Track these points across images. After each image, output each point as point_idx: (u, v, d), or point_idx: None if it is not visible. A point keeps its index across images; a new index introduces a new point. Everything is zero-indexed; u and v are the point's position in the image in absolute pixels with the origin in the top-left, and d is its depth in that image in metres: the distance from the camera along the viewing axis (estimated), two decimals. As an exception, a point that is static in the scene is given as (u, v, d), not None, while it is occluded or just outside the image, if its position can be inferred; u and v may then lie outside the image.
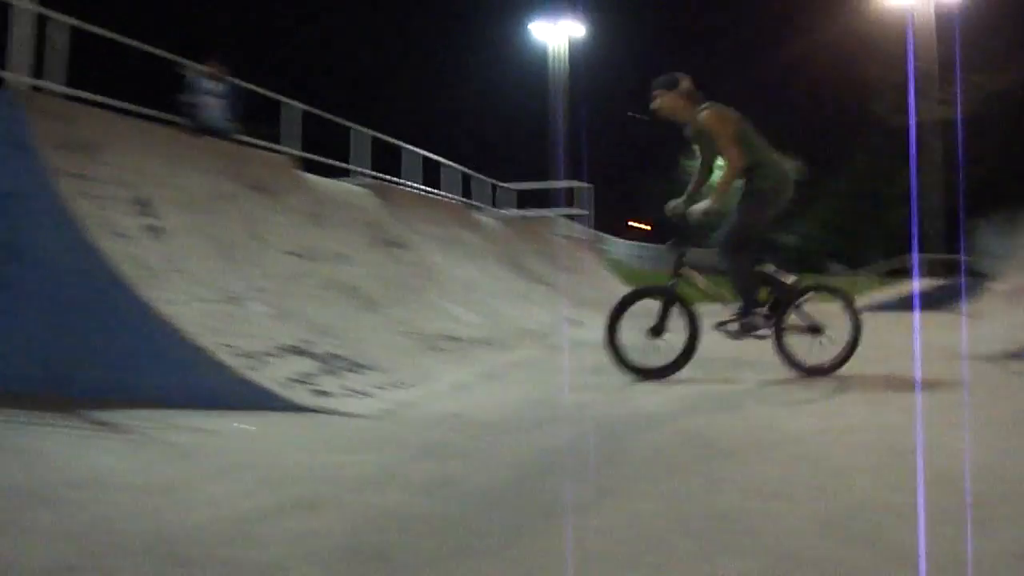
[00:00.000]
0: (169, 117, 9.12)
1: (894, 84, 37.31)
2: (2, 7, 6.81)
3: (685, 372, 5.51)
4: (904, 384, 5.31)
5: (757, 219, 5.60)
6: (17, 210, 5.05)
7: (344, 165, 13.48)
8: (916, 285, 17.23)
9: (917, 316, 12.94)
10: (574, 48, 38.03)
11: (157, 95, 9.41)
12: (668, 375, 5.51)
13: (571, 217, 21.31)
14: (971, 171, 31.39)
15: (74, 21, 7.84)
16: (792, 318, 5.59)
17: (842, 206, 51.14)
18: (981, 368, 5.96)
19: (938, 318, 11.03)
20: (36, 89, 6.77)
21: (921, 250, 27.88)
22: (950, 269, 25.05)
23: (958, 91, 30.79)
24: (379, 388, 5.07)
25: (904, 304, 16.07)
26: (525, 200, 21.48)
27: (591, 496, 2.77)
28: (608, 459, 3.34)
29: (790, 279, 5.64)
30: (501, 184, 20.17)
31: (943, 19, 32.61)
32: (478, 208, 17.81)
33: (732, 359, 6.08)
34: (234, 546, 2.29)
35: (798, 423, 4.05)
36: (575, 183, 21.21)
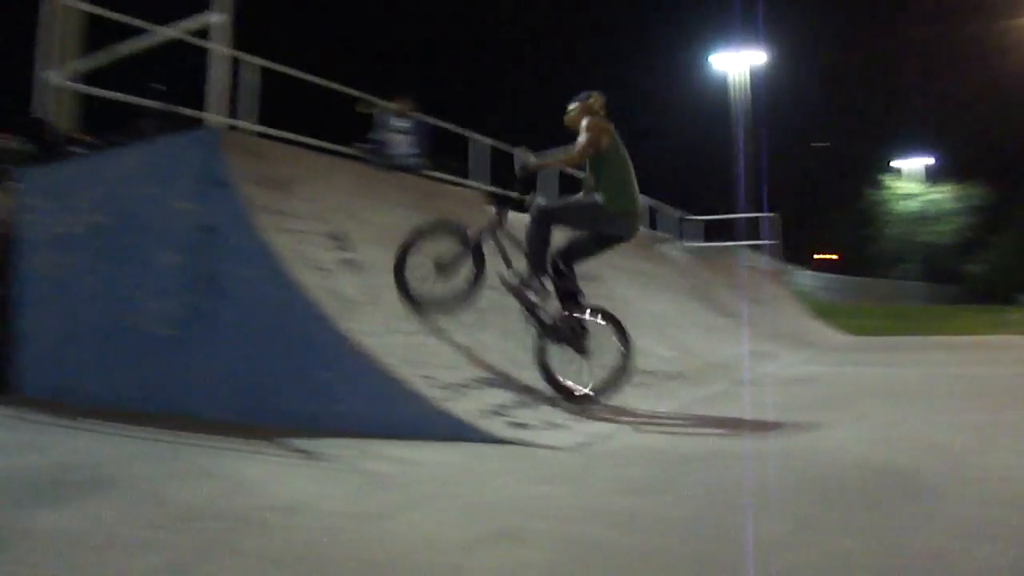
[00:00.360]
0: (357, 153, 9.51)
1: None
2: (188, 50, 7.39)
3: (879, 409, 5.50)
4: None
5: (577, 218, 5.83)
6: (217, 244, 5.41)
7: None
8: None
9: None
10: (756, 76, 37.32)
11: (346, 132, 9.88)
12: (450, 311, 5.76)
13: (757, 248, 21.23)
14: None
15: (264, 62, 8.37)
16: (565, 325, 5.69)
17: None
18: None
19: None
20: (232, 128, 7.22)
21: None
22: None
23: None
24: (574, 420, 5.04)
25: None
26: (711, 231, 21.63)
27: (789, 530, 2.73)
28: (805, 494, 3.29)
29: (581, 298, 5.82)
30: (688, 216, 20.57)
31: None
32: (666, 240, 17.94)
33: (919, 392, 5.78)
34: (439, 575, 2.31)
35: (993, 459, 3.96)
36: (760, 213, 21.23)
